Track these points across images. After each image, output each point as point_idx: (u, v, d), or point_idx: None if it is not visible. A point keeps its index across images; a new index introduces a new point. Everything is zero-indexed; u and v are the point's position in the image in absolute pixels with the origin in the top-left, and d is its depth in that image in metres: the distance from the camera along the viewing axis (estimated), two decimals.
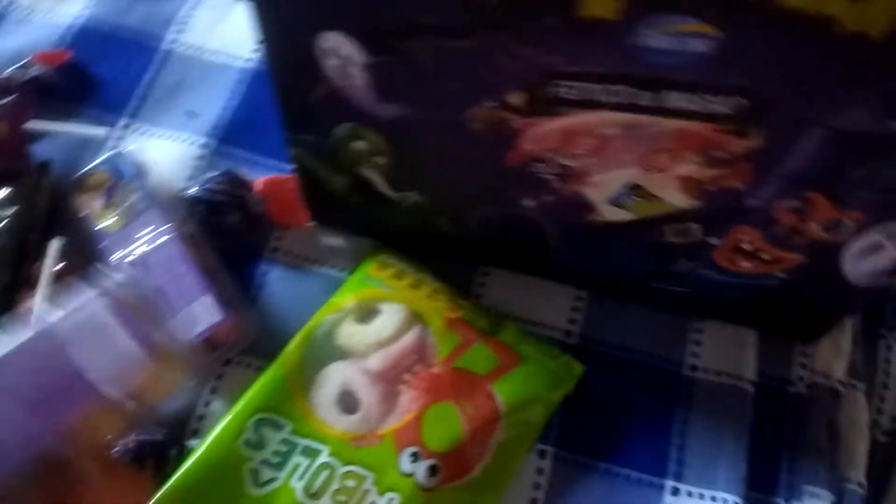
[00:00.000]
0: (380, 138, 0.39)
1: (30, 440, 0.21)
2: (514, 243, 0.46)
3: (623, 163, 0.35)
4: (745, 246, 0.38)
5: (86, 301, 0.23)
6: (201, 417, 0.46)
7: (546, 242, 0.44)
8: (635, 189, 0.37)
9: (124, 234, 0.48)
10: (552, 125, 0.33)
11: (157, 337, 0.23)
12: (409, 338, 0.45)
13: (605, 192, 0.38)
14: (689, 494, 0.43)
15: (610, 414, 0.46)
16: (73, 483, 0.22)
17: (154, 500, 0.40)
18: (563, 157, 0.35)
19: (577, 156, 0.35)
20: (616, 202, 0.38)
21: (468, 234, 0.46)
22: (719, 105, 0.30)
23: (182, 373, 0.22)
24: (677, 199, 0.37)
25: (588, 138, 0.34)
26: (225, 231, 0.50)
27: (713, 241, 0.39)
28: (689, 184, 0.35)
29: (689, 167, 0.34)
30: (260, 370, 0.47)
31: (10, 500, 0.21)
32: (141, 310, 0.23)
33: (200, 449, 0.42)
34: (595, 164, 0.35)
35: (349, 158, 0.42)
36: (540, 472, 0.44)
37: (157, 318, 0.24)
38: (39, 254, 0.49)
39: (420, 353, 0.45)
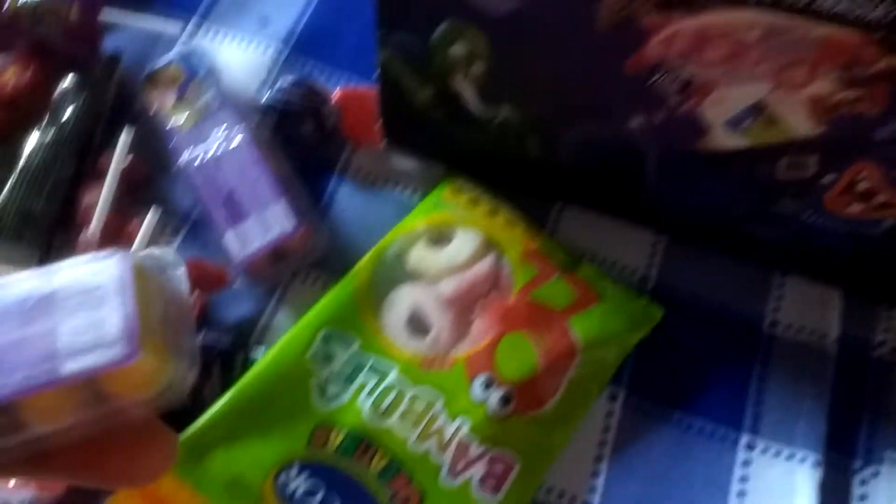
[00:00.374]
0: (483, 40, 0.37)
1: None
2: (604, 172, 0.43)
3: (755, 76, 0.33)
4: (862, 185, 0.36)
5: (102, 264, 0.20)
6: (265, 328, 0.44)
7: (641, 173, 0.42)
8: (759, 111, 0.35)
9: (196, 133, 0.46)
10: (687, 24, 0.31)
11: (159, 327, 0.21)
12: (484, 265, 0.44)
13: (726, 111, 0.35)
14: (765, 450, 0.42)
15: (684, 363, 0.44)
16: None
17: (220, 403, 0.39)
18: (690, 66, 0.33)
19: (707, 65, 0.33)
20: (734, 125, 0.36)
21: (554, 160, 0.44)
22: (877, 10, 0.28)
23: (167, 375, 0.20)
24: (802, 124, 0.34)
25: (723, 43, 0.31)
26: (297, 142, 0.48)
27: (828, 178, 0.37)
28: (818, 107, 0.33)
29: (823, 86, 0.32)
30: (327, 286, 0.45)
31: None
32: (156, 295, 0.21)
33: (268, 357, 0.40)
34: (723, 77, 0.33)
35: (443, 65, 0.40)
36: (610, 414, 0.43)
37: (182, 317, 0.22)
38: (104, 146, 0.47)
39: (495, 282, 0.43)
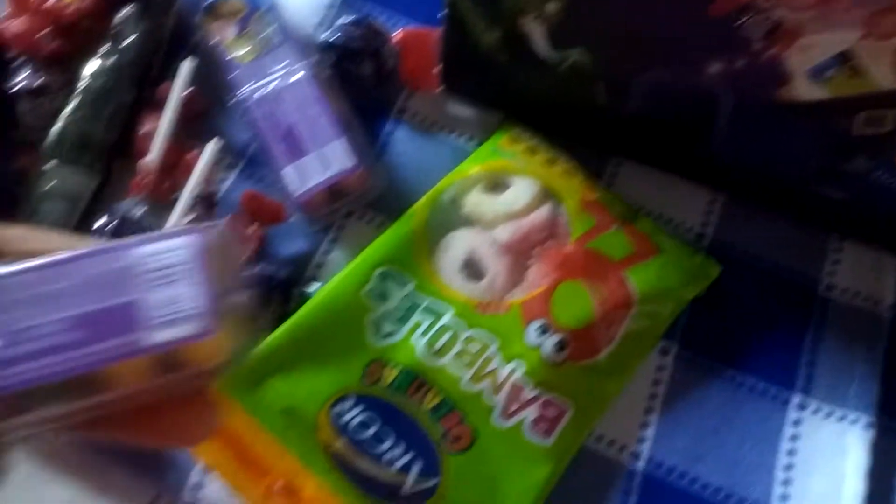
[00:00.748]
0: None
1: (66, 353, 0.20)
2: (672, 124, 0.43)
3: (845, 22, 0.32)
4: None
5: (179, 241, 0.21)
6: (319, 266, 0.44)
7: (710, 125, 0.41)
8: (844, 59, 0.34)
9: (256, 67, 0.45)
10: None
11: (229, 299, 0.21)
12: (542, 213, 0.43)
13: (810, 59, 0.35)
14: (817, 411, 0.41)
15: (738, 321, 0.44)
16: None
17: (277, 334, 0.39)
18: (780, 9, 0.32)
19: (798, 7, 0.32)
20: (817, 74, 0.35)
21: (620, 110, 0.43)
22: None
23: (234, 346, 0.21)
24: (886, 76, 0.34)
25: None
26: (355, 82, 0.47)
27: None
28: None
29: None
30: (381, 227, 0.45)
31: (28, 407, 0.20)
32: (225, 265, 0.22)
33: (324, 291, 0.40)
34: (812, 21, 0.32)
35: (514, 5, 0.39)
36: (661, 368, 0.43)
37: (236, 279, 0.22)
38: (163, 75, 0.47)
39: (552, 230, 0.43)
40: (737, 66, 0.37)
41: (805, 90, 0.37)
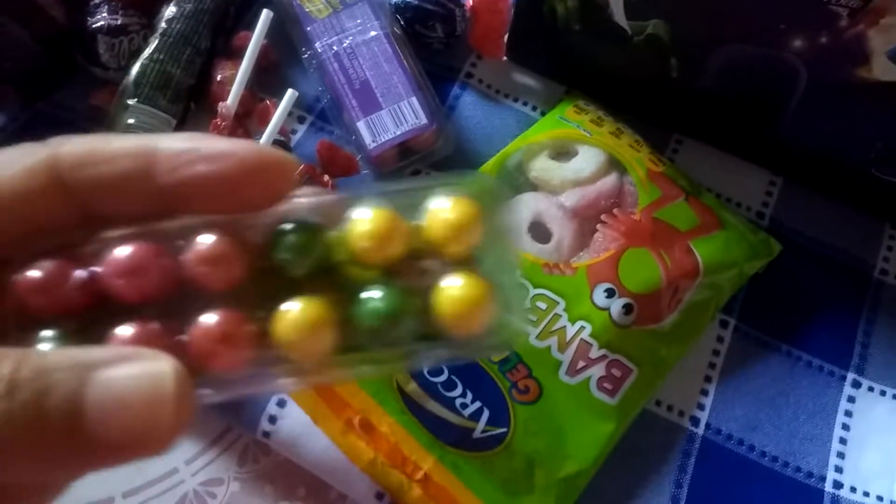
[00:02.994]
0: None
1: None
2: (743, 101, 0.43)
3: None
4: None
5: None
6: None
7: (783, 103, 0.42)
8: None
9: (332, 23, 0.46)
10: None
11: None
12: (609, 181, 0.44)
13: (892, 39, 0.35)
14: (871, 389, 0.42)
15: (795, 299, 0.45)
16: None
17: None
18: None
19: None
20: None
21: (693, 85, 0.44)
22: None
23: None
24: None
25: None
26: (425, 44, 0.48)
27: None
28: None
29: None
30: None
31: None
32: None
33: None
34: None
35: None
36: (720, 339, 0.43)
37: None
38: (237, 26, 0.47)
39: (619, 199, 0.44)
40: (820, 42, 0.38)
41: (883, 71, 0.38)
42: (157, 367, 0.16)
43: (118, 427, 0.16)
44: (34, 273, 0.18)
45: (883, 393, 0.42)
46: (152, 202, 0.19)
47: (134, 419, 0.16)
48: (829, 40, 0.37)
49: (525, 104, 0.49)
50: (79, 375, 0.16)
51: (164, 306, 0.19)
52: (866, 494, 0.39)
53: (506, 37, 0.49)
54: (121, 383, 0.16)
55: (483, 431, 0.37)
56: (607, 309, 0.40)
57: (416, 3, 0.47)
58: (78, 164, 0.18)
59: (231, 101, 0.43)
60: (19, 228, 0.18)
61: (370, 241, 0.19)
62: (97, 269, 0.19)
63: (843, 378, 0.42)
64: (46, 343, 0.18)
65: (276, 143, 0.43)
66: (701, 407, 0.41)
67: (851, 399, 0.42)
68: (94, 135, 0.19)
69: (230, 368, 0.18)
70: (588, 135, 0.46)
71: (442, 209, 0.20)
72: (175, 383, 0.16)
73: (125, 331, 0.18)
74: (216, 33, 0.46)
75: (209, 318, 0.18)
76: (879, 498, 0.39)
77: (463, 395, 0.37)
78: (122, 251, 0.18)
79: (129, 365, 0.16)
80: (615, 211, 0.43)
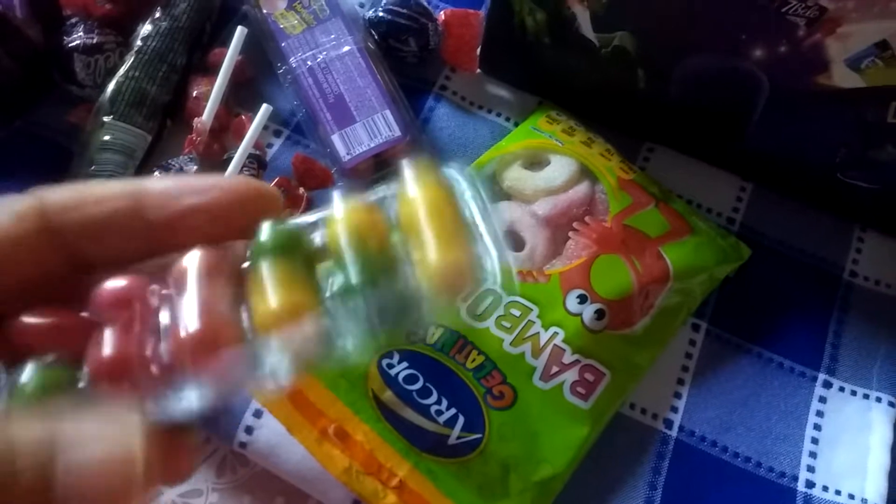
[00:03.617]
0: None
1: None
2: (709, 111, 0.44)
3: (886, 13, 0.34)
4: None
5: None
6: None
7: (747, 111, 0.43)
8: (881, 49, 0.36)
9: (306, 38, 0.47)
10: None
11: None
12: (580, 190, 0.45)
13: (849, 48, 0.36)
14: (842, 389, 0.43)
15: (766, 302, 0.45)
16: None
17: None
18: None
19: None
20: (854, 63, 0.37)
21: (660, 95, 0.45)
22: None
23: None
24: None
25: None
26: (399, 58, 0.49)
27: None
28: None
29: None
30: None
31: None
32: None
33: None
34: (856, 10, 0.34)
35: None
36: (692, 343, 0.44)
37: None
38: (213, 43, 0.48)
39: (590, 207, 0.44)
40: (779, 51, 0.39)
41: (842, 78, 0.39)
42: (124, 439, 0.16)
43: (90, 499, 0.16)
44: (37, 319, 0.19)
45: (854, 393, 0.43)
46: (140, 240, 0.20)
47: (105, 493, 0.16)
48: (788, 50, 0.38)
49: (499, 115, 0.50)
50: (46, 454, 0.16)
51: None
52: (838, 493, 0.40)
53: (478, 50, 0.50)
54: (87, 467, 0.16)
55: (458, 437, 0.37)
56: (580, 315, 0.41)
57: (390, 17, 0.48)
58: (66, 208, 0.19)
59: (206, 116, 0.44)
60: (11, 279, 0.19)
61: (348, 231, 0.20)
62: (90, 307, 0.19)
63: (815, 379, 0.43)
64: (29, 374, 0.18)
65: (252, 157, 0.43)
66: (674, 409, 0.42)
67: (823, 399, 0.43)
68: (78, 182, 0.20)
69: (217, 367, 0.19)
70: (560, 144, 0.46)
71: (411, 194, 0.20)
72: (143, 448, 0.16)
73: (107, 348, 0.19)
74: (192, 50, 0.47)
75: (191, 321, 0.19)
76: (851, 496, 0.40)
77: (438, 402, 0.38)
78: (111, 284, 0.19)
79: (95, 445, 0.16)
80: (587, 219, 0.44)
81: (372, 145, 0.44)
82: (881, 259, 0.47)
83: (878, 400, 0.42)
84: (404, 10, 0.48)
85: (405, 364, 0.38)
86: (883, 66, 0.37)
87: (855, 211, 0.47)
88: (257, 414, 0.38)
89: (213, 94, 0.44)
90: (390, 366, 0.38)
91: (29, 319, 0.19)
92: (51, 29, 0.45)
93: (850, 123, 0.41)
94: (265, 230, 0.20)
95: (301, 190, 0.43)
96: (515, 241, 0.43)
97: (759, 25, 0.38)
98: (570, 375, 0.39)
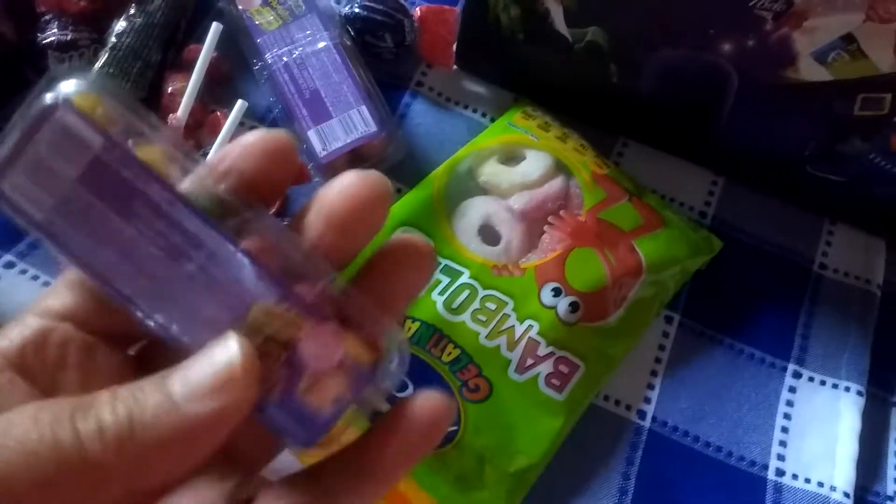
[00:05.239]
0: None
1: None
2: (680, 105, 0.45)
3: (849, 5, 0.34)
4: None
5: None
6: None
7: (717, 104, 0.43)
8: (846, 43, 0.36)
9: (282, 34, 0.47)
10: None
11: None
12: (555, 184, 0.45)
13: (815, 41, 0.37)
14: (811, 379, 0.44)
15: (737, 294, 0.46)
16: None
17: None
18: None
19: None
20: (821, 56, 0.38)
21: (632, 90, 0.45)
22: None
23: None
24: (886, 60, 0.36)
25: None
26: (375, 54, 0.49)
27: None
28: None
29: None
30: (399, 193, 0.46)
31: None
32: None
33: None
34: (820, 4, 0.35)
35: None
36: (665, 335, 0.44)
37: None
38: (188, 40, 0.48)
39: (565, 201, 0.45)
40: (747, 45, 0.39)
41: (809, 72, 0.39)
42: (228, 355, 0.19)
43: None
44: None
45: (823, 383, 0.43)
46: None
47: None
48: (756, 43, 0.39)
49: (475, 111, 0.50)
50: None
51: None
52: (808, 481, 0.41)
53: (454, 46, 0.50)
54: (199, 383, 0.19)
55: None
56: (554, 308, 0.41)
57: (365, 13, 0.48)
58: None
59: (182, 113, 0.44)
60: None
61: None
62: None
63: (785, 369, 0.44)
64: None
65: None
66: (647, 400, 0.42)
67: (792, 389, 0.43)
68: None
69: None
70: (535, 140, 0.47)
71: None
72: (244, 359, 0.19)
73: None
74: (167, 47, 0.47)
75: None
76: (820, 484, 0.41)
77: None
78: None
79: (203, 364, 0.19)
80: (561, 213, 0.44)
81: (348, 141, 0.44)
82: (850, 251, 0.48)
83: (847, 389, 0.43)
84: (380, 7, 0.49)
85: None
86: (849, 59, 0.38)
87: (824, 204, 0.48)
88: None
89: (188, 90, 0.44)
90: None
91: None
92: (24, 26, 0.45)
93: (818, 117, 0.42)
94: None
95: None
96: (491, 235, 0.44)
97: (728, 19, 0.38)
98: (545, 367, 0.40)
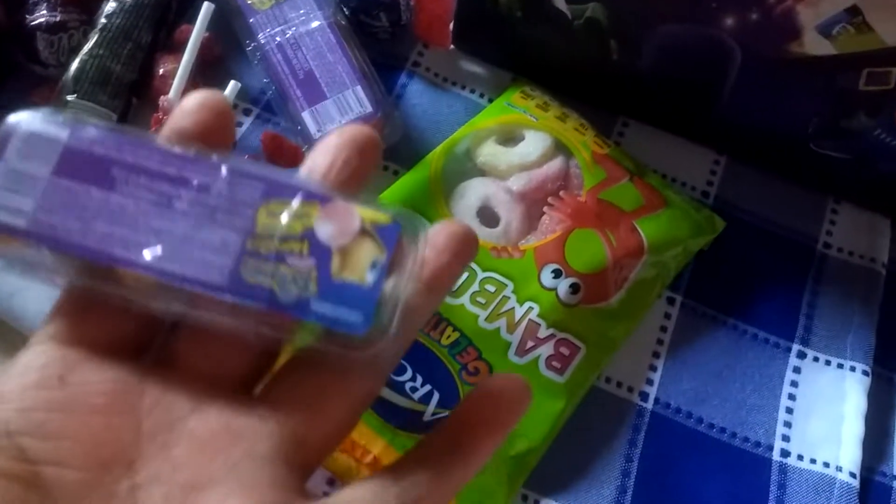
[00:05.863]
0: None
1: None
2: (682, 81, 0.44)
3: None
4: None
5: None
6: None
7: (720, 80, 0.42)
8: (852, 15, 0.36)
9: (275, 13, 0.46)
10: None
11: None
12: (554, 165, 0.44)
13: (820, 14, 0.36)
14: (816, 359, 0.43)
15: (740, 275, 0.45)
16: None
17: None
18: None
19: None
20: (826, 29, 0.37)
21: (633, 67, 0.44)
22: None
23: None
24: (893, 33, 0.35)
25: None
26: (370, 33, 0.48)
27: None
28: None
29: None
30: (396, 174, 0.46)
31: None
32: None
33: None
34: None
35: None
36: (667, 316, 0.44)
37: None
38: (179, 20, 0.47)
39: (565, 181, 0.44)
40: (750, 19, 0.38)
41: (813, 45, 0.39)
42: None
43: None
44: None
45: (828, 363, 0.43)
46: None
47: None
48: (759, 17, 0.38)
49: (472, 91, 0.49)
50: None
51: None
52: (813, 461, 0.40)
53: (451, 25, 0.49)
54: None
55: (433, 414, 0.37)
56: (554, 289, 0.40)
57: None
58: None
59: (173, 94, 0.43)
60: None
61: None
62: None
63: (789, 349, 0.43)
64: None
65: None
66: (650, 382, 0.42)
67: (797, 369, 0.43)
68: None
69: None
70: (534, 120, 0.46)
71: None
72: None
73: None
74: (158, 27, 0.46)
75: None
76: (826, 464, 0.40)
77: (413, 378, 0.38)
78: None
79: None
80: (561, 193, 0.44)
81: (343, 122, 0.43)
82: (854, 230, 0.47)
83: (853, 369, 0.42)
84: None
85: None
86: (854, 32, 0.37)
87: (828, 182, 0.47)
88: None
89: (179, 71, 0.43)
90: None
91: None
92: (13, 7, 0.44)
93: (823, 92, 0.41)
94: None
95: None
96: (490, 216, 0.43)
97: None
98: (546, 350, 0.39)
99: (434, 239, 0.22)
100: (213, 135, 0.22)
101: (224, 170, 0.20)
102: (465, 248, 0.23)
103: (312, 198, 0.20)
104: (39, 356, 0.20)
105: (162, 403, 0.20)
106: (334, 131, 0.23)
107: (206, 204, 0.20)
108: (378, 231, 0.20)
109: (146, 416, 0.20)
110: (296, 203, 0.20)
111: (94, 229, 0.20)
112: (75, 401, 0.20)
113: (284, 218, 0.20)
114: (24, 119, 0.21)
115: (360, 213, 0.20)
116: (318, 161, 0.23)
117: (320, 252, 0.20)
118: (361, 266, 0.20)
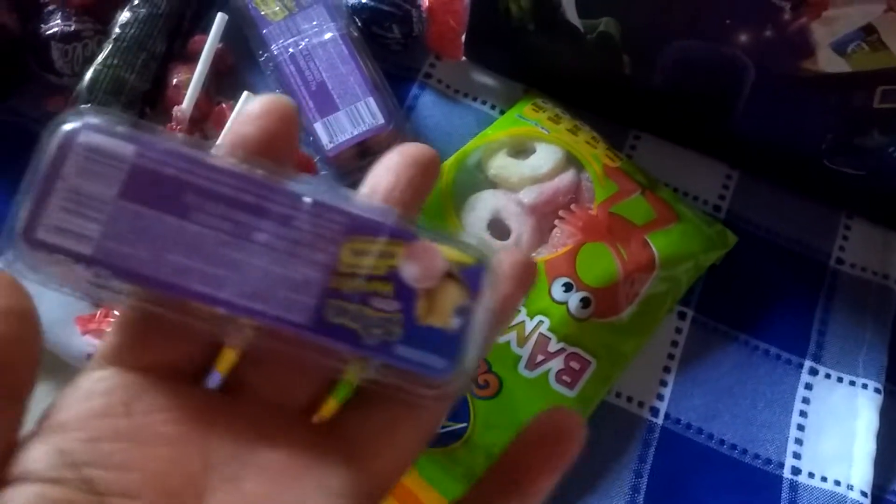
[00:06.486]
0: None
1: None
2: (695, 97, 0.44)
3: None
4: None
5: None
6: None
7: (733, 97, 0.42)
8: (866, 34, 0.35)
9: (288, 25, 0.46)
10: None
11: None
12: (566, 178, 0.44)
13: (834, 32, 0.36)
14: (828, 376, 0.43)
15: (752, 290, 0.45)
16: None
17: None
18: None
19: None
20: (840, 47, 0.37)
21: (646, 81, 0.44)
22: None
23: None
24: None
25: None
26: (382, 45, 0.48)
27: None
28: None
29: None
30: None
31: None
32: None
33: None
34: None
35: None
36: (678, 331, 0.44)
37: None
38: (193, 30, 0.47)
39: (576, 195, 0.44)
40: (764, 36, 0.38)
41: (827, 63, 0.38)
42: None
43: None
44: None
45: (840, 379, 0.43)
46: None
47: None
48: (773, 34, 0.38)
49: (484, 103, 0.49)
50: None
51: None
52: (824, 479, 0.40)
53: (463, 37, 0.49)
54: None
55: (443, 427, 0.37)
56: (565, 303, 0.40)
57: (372, 4, 0.47)
58: None
59: (186, 104, 0.43)
60: None
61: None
62: None
63: (801, 366, 0.43)
64: None
65: None
66: (660, 397, 0.42)
67: (809, 386, 0.43)
68: None
69: None
70: (546, 132, 0.46)
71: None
72: None
73: None
74: (171, 37, 0.46)
75: None
76: (837, 482, 0.40)
77: None
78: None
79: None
80: (572, 206, 0.43)
81: (355, 133, 0.44)
82: (867, 246, 0.47)
83: (865, 386, 0.42)
84: None
85: None
86: (869, 50, 0.37)
87: (841, 198, 0.47)
88: None
89: (193, 82, 0.44)
90: None
91: None
92: (27, 17, 0.45)
93: (837, 109, 0.41)
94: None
95: None
96: (501, 229, 0.43)
97: (744, 10, 0.37)
98: (556, 364, 0.39)
99: (498, 268, 0.22)
100: (277, 142, 0.21)
101: (306, 202, 0.19)
102: (528, 277, 0.23)
103: (397, 236, 0.20)
104: (101, 382, 0.19)
105: (230, 433, 0.20)
106: (394, 149, 0.22)
107: (287, 238, 0.19)
108: (463, 273, 0.20)
109: (215, 447, 0.19)
110: (380, 241, 0.19)
111: (168, 261, 0.19)
112: (142, 430, 0.19)
113: (369, 257, 0.19)
114: (82, 129, 0.19)
115: (445, 254, 0.20)
116: (381, 180, 0.22)
117: (405, 294, 0.19)
118: (446, 310, 0.19)
